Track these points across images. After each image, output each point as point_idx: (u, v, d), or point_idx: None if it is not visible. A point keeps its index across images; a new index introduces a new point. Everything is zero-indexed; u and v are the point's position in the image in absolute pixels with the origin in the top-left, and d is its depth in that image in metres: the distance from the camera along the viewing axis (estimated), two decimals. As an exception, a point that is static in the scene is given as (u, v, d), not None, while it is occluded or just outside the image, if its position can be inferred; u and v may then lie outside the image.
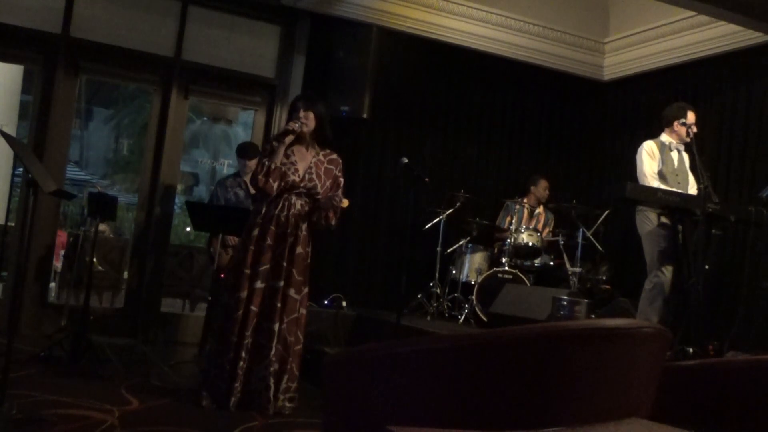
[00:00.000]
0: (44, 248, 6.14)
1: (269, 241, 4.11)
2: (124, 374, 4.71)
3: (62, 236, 7.92)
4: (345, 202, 5.50)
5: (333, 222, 4.26)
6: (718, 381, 2.15)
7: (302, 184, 4.18)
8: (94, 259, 5.55)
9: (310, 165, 4.24)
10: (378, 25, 6.84)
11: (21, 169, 6.01)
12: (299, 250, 4.16)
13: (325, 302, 6.42)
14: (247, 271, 4.10)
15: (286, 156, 4.21)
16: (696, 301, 4.64)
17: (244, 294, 4.07)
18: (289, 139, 4.20)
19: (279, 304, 4.06)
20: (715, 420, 2.07)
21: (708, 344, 4.82)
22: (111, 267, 7.67)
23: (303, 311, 4.23)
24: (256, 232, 4.15)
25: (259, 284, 4.07)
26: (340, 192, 4.31)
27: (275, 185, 4.12)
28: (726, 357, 4.47)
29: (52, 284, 7.08)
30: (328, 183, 4.28)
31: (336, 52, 6.75)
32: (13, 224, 6.47)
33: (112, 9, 6.37)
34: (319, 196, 4.22)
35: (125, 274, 7.20)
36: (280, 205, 4.14)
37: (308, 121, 4.26)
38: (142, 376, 4.78)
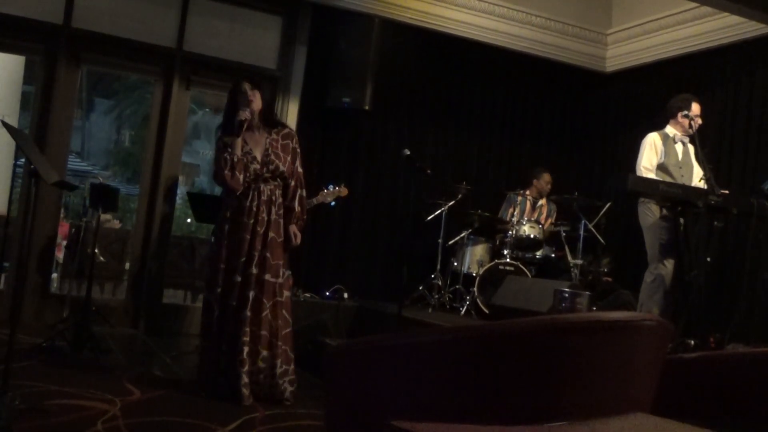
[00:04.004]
0: (46, 239, 6.15)
1: (244, 234, 4.06)
2: (126, 365, 4.73)
3: (64, 227, 7.92)
4: (344, 191, 5.51)
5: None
6: (719, 373, 2.15)
7: (264, 170, 4.13)
8: (96, 250, 5.55)
9: (266, 147, 4.17)
10: (380, 16, 6.82)
11: (23, 160, 6.00)
12: (271, 234, 4.12)
13: (327, 293, 6.43)
14: (223, 266, 4.07)
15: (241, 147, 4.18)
16: (697, 293, 4.64)
17: (219, 290, 4.05)
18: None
19: (253, 292, 4.03)
20: (717, 412, 2.07)
21: (709, 336, 4.82)
22: (113, 258, 7.69)
23: (287, 293, 4.21)
24: (227, 226, 4.10)
25: (237, 278, 4.04)
26: (298, 163, 4.29)
27: (241, 177, 4.08)
28: (727, 349, 4.48)
29: (54, 275, 7.10)
30: (289, 158, 4.23)
31: (338, 43, 6.74)
32: (15, 215, 6.48)
33: (113, -1, 6.36)
34: (286, 176, 4.20)
35: (127, 265, 7.21)
36: (250, 196, 4.10)
37: (256, 100, 4.19)
38: (144, 366, 4.80)
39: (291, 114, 6.74)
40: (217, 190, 6.51)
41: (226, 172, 4.04)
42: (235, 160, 4.06)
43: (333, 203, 5.65)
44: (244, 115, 4.10)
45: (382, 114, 7.06)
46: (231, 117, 4.18)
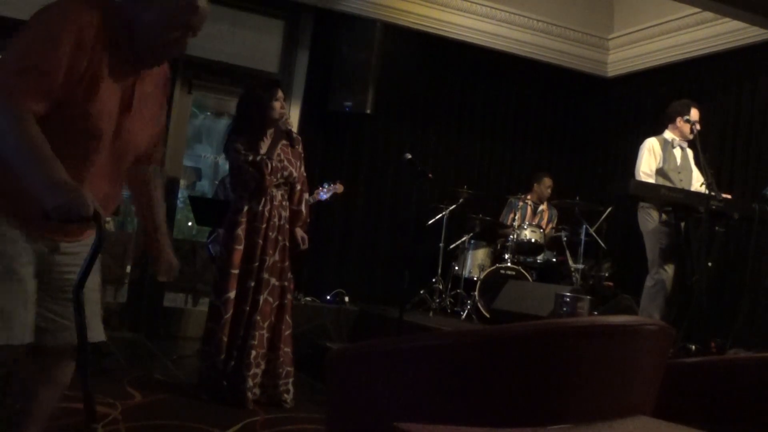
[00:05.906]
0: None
1: (257, 239, 4.06)
2: (126, 368, 4.72)
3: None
4: (340, 188, 5.52)
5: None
6: (720, 378, 2.15)
7: (279, 176, 4.14)
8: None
9: (278, 153, 4.17)
10: (382, 20, 6.84)
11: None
12: (281, 238, 4.16)
13: (328, 297, 6.42)
14: (235, 271, 4.04)
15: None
16: (698, 298, 4.64)
17: (232, 294, 4.03)
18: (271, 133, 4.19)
19: (263, 296, 4.05)
20: (717, 417, 2.07)
21: (710, 341, 4.82)
22: (114, 261, 7.67)
23: (288, 296, 4.23)
24: (240, 230, 4.08)
25: (250, 282, 4.05)
26: (302, 167, 4.33)
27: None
28: (728, 354, 4.47)
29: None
30: (297, 163, 4.26)
31: (340, 47, 6.75)
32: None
33: (115, 3, 6.36)
34: (296, 182, 4.24)
35: (128, 269, 7.20)
36: (263, 201, 4.11)
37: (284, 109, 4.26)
38: (145, 370, 4.79)
39: (293, 118, 6.73)
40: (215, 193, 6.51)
41: (269, 177, 4.05)
42: (273, 165, 4.07)
43: (329, 200, 5.60)
44: (289, 121, 4.20)
45: (383, 118, 7.07)
46: (251, 119, 4.15)
